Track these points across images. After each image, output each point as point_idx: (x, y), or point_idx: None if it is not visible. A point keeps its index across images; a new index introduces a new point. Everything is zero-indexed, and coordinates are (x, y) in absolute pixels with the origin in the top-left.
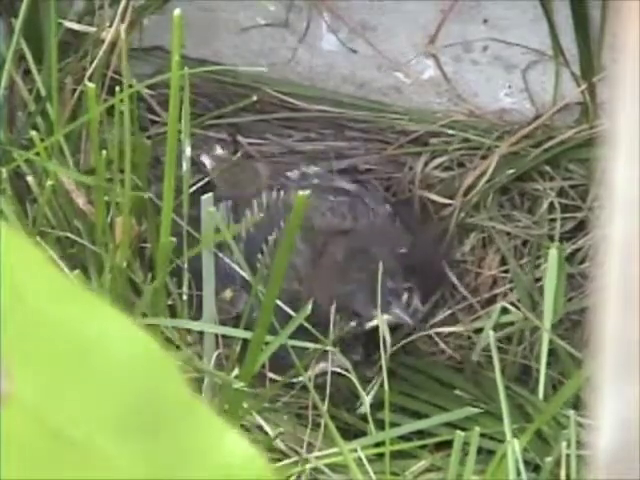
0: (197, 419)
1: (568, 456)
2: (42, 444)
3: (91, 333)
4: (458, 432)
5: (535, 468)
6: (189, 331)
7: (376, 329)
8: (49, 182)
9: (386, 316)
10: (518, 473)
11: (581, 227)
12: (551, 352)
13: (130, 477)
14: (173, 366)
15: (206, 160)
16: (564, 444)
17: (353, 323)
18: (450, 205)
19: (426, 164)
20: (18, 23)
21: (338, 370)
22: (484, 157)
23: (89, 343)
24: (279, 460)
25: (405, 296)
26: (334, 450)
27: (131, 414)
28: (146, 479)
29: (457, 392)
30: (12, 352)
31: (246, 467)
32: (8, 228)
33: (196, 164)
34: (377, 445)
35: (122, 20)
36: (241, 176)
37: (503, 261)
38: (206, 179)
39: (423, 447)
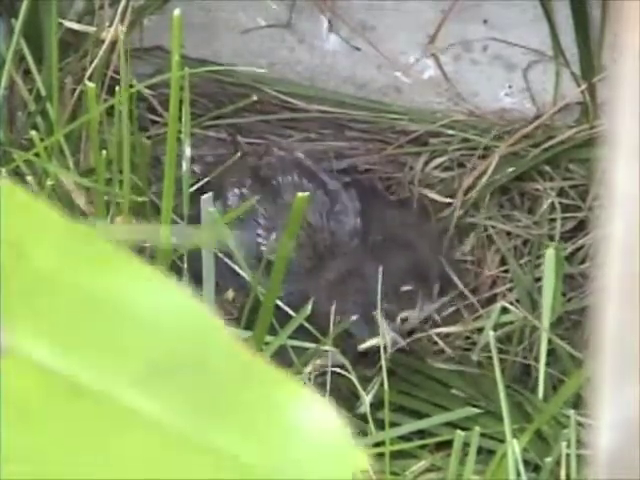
0: (247, 372)
1: (568, 456)
2: (49, 398)
3: (106, 284)
4: (458, 432)
5: (535, 468)
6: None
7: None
8: (49, 182)
9: (382, 339)
10: (518, 473)
11: (581, 227)
12: (551, 352)
13: (160, 432)
14: (212, 318)
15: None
16: (564, 444)
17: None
18: (450, 205)
19: (426, 164)
20: (18, 23)
21: (338, 370)
22: (484, 157)
23: (104, 294)
24: None
25: (399, 318)
26: None
27: (161, 366)
28: (181, 435)
29: (457, 392)
30: (15, 308)
31: (322, 434)
32: (8, 184)
33: (195, 163)
34: (377, 445)
35: (122, 20)
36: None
37: (503, 261)
38: (206, 179)
39: (423, 447)
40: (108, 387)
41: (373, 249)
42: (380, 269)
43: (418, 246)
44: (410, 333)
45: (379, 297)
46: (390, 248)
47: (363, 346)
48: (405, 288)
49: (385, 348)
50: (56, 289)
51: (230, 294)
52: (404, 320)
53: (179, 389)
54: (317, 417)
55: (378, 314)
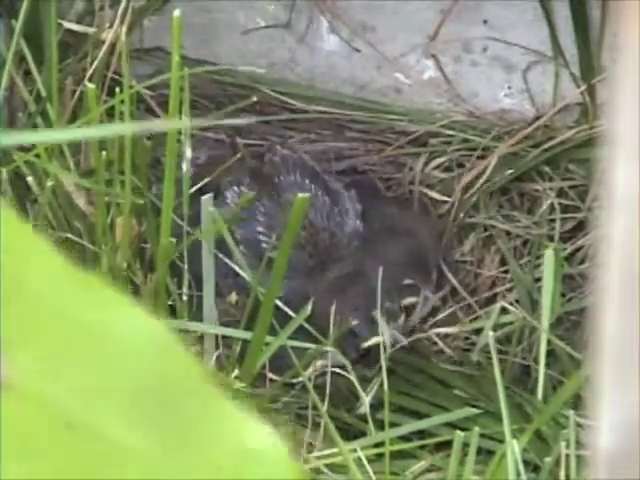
0: (212, 404)
1: (567, 456)
2: (46, 429)
3: (96, 318)
4: (458, 432)
5: (535, 468)
6: (189, 331)
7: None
8: (49, 183)
9: (382, 337)
10: (518, 473)
11: (581, 227)
12: (551, 352)
13: (143, 462)
14: (184, 350)
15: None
16: (563, 444)
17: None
18: (449, 205)
19: (426, 164)
20: (18, 24)
21: (337, 370)
22: (483, 157)
23: (94, 328)
24: None
25: (403, 316)
26: (334, 450)
27: (142, 399)
28: (160, 465)
29: (457, 392)
30: (13, 339)
31: (266, 454)
32: (8, 212)
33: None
34: (377, 445)
35: (122, 21)
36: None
37: (503, 261)
38: (206, 179)
39: (423, 447)
40: (97, 418)
41: (374, 247)
42: (381, 268)
43: (417, 238)
44: (410, 332)
45: (379, 297)
46: (390, 243)
47: (365, 344)
48: (407, 282)
49: (385, 348)
50: (50, 321)
51: (233, 297)
52: (407, 308)
53: (153, 418)
54: (263, 442)
55: (378, 314)
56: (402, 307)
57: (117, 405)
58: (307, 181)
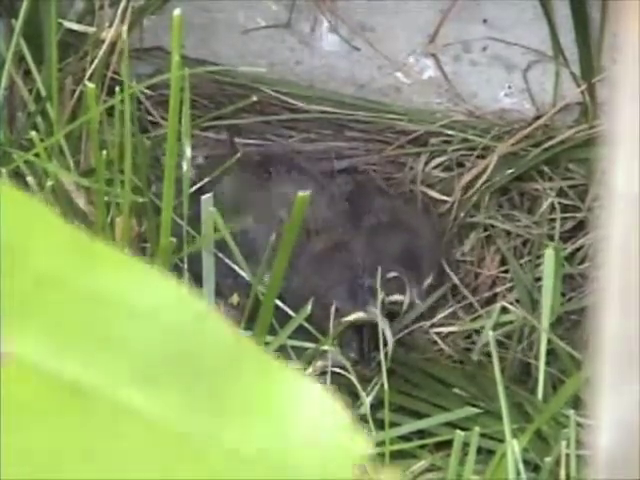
0: (243, 363)
1: (568, 456)
2: (51, 399)
3: (105, 284)
4: (458, 432)
5: (535, 468)
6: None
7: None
8: (49, 182)
9: (361, 313)
10: (518, 473)
11: (581, 227)
12: (551, 352)
13: (160, 430)
14: (205, 309)
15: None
16: (564, 444)
17: (351, 317)
18: (450, 205)
19: (426, 164)
20: (18, 23)
21: (337, 370)
22: (483, 157)
23: (103, 294)
24: None
25: (383, 294)
26: None
27: (160, 364)
28: (181, 432)
29: (457, 391)
30: (15, 310)
31: (325, 422)
32: (8, 187)
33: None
34: (377, 445)
35: (122, 20)
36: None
37: (503, 261)
38: (206, 179)
39: (423, 447)
40: (107, 386)
41: (366, 233)
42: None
43: (417, 237)
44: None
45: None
46: (385, 234)
47: (346, 319)
48: (392, 274)
49: (385, 346)
50: (54, 290)
51: (235, 298)
52: (394, 304)
53: (176, 384)
54: (315, 405)
55: (378, 312)
56: (387, 290)
57: (130, 370)
58: (297, 175)
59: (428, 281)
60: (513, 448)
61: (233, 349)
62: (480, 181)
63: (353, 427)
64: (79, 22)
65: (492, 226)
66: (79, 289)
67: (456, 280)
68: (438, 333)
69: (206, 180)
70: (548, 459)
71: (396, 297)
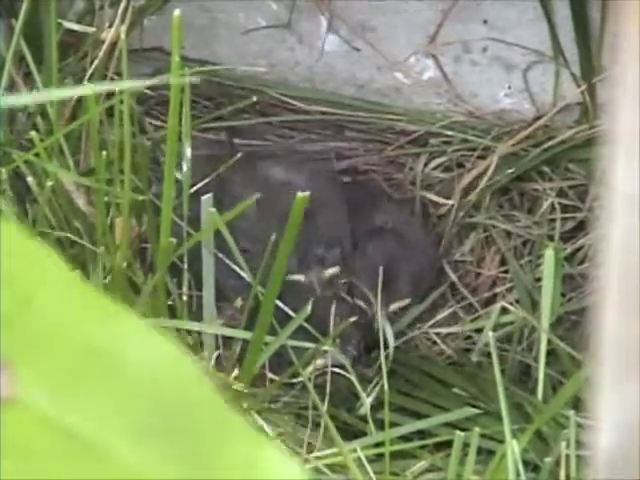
0: (229, 429)
1: (568, 456)
2: (49, 445)
3: (105, 337)
4: (458, 432)
5: (535, 468)
6: (189, 331)
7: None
8: (49, 183)
9: (302, 276)
10: (518, 473)
11: (581, 227)
12: (551, 352)
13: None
14: (199, 371)
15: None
16: (564, 444)
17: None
18: (450, 205)
19: (426, 164)
20: (18, 24)
21: (337, 370)
22: (483, 157)
23: (103, 347)
24: None
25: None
26: (334, 450)
27: (151, 419)
28: None
29: (457, 392)
30: (16, 356)
31: None
32: (12, 228)
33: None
34: (377, 445)
35: (122, 21)
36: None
37: (503, 261)
38: (206, 179)
39: (423, 447)
40: (100, 436)
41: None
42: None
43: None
44: (404, 333)
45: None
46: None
47: (290, 277)
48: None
49: (386, 347)
50: (54, 338)
51: (239, 302)
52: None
53: (162, 439)
54: (283, 471)
55: (379, 315)
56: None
57: (124, 422)
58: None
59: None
60: (513, 448)
61: (220, 414)
62: (480, 182)
63: None
64: (79, 22)
65: (492, 226)
66: (78, 339)
67: (456, 280)
68: (438, 333)
69: (206, 180)
70: (548, 459)
71: (333, 270)
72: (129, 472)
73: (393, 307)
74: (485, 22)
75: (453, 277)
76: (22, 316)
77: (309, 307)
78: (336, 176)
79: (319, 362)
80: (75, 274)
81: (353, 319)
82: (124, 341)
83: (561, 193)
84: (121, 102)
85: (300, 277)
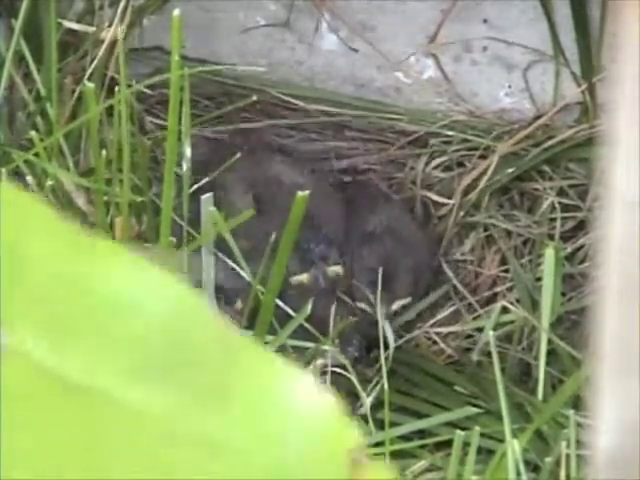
0: (238, 352)
1: (568, 456)
2: (47, 393)
3: (101, 279)
4: (458, 432)
5: (535, 468)
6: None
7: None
8: (49, 182)
9: (306, 275)
10: (518, 473)
11: (581, 227)
12: (551, 352)
13: (156, 422)
14: (204, 306)
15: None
16: (564, 444)
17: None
18: (450, 205)
19: (426, 164)
20: (18, 23)
21: (337, 370)
22: (484, 157)
23: (100, 289)
24: None
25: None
26: None
27: (156, 361)
28: (171, 427)
29: (457, 391)
30: (14, 308)
31: (313, 410)
32: (7, 185)
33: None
34: (377, 445)
35: (122, 20)
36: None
37: (503, 261)
38: (206, 179)
39: (423, 447)
40: (102, 382)
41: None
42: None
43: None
44: (406, 330)
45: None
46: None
47: (294, 278)
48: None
49: (386, 347)
50: (52, 285)
51: (239, 304)
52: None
53: (169, 378)
54: (308, 396)
55: (379, 313)
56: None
57: (125, 367)
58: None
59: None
60: (513, 448)
61: (226, 341)
62: (480, 181)
63: (346, 419)
64: (79, 22)
65: (492, 226)
66: (76, 285)
67: (456, 280)
68: (438, 333)
69: (206, 180)
70: (548, 459)
71: (335, 268)
72: (130, 412)
73: (395, 306)
74: (485, 22)
75: (453, 277)
76: (17, 268)
77: (309, 307)
78: (333, 175)
79: (319, 362)
80: (61, 217)
81: (354, 318)
82: (121, 282)
83: (561, 192)
84: (120, 102)
85: (303, 277)
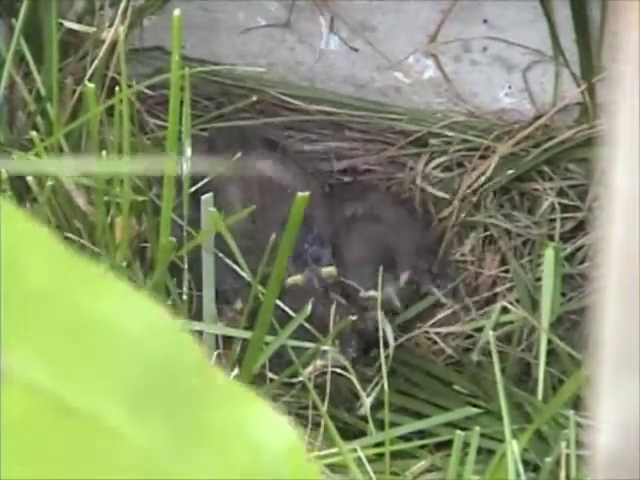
0: (218, 391)
1: (568, 456)
2: (46, 419)
3: (98, 307)
4: (458, 432)
5: (535, 468)
6: (189, 331)
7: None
8: (49, 182)
9: (299, 276)
10: (518, 473)
11: (581, 227)
12: (551, 352)
13: (144, 453)
14: (188, 337)
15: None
16: (564, 444)
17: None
18: (450, 205)
19: (426, 164)
20: (18, 23)
21: (337, 370)
22: (484, 157)
23: (96, 318)
24: None
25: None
26: (334, 450)
27: (144, 388)
28: (163, 457)
29: (457, 391)
30: (13, 330)
31: (279, 447)
32: (7, 204)
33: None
34: (377, 445)
35: (122, 20)
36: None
37: (503, 261)
38: (206, 179)
39: (423, 447)
40: (96, 409)
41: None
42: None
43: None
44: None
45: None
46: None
47: (289, 280)
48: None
49: (385, 346)
50: (49, 308)
51: (239, 304)
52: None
53: (156, 409)
54: (276, 432)
55: (379, 314)
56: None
57: (118, 393)
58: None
59: (404, 277)
60: (513, 448)
61: (206, 376)
62: (481, 182)
63: (305, 454)
64: (79, 22)
65: (492, 226)
66: (72, 310)
67: (456, 280)
68: (438, 333)
69: (206, 180)
70: (548, 459)
71: (371, 293)
72: (122, 443)
73: (402, 280)
74: (485, 22)
75: (453, 277)
76: (16, 291)
77: (309, 307)
78: (331, 175)
79: (319, 362)
80: (65, 248)
81: (353, 317)
82: (116, 312)
83: (561, 193)
84: (121, 102)
85: (298, 279)
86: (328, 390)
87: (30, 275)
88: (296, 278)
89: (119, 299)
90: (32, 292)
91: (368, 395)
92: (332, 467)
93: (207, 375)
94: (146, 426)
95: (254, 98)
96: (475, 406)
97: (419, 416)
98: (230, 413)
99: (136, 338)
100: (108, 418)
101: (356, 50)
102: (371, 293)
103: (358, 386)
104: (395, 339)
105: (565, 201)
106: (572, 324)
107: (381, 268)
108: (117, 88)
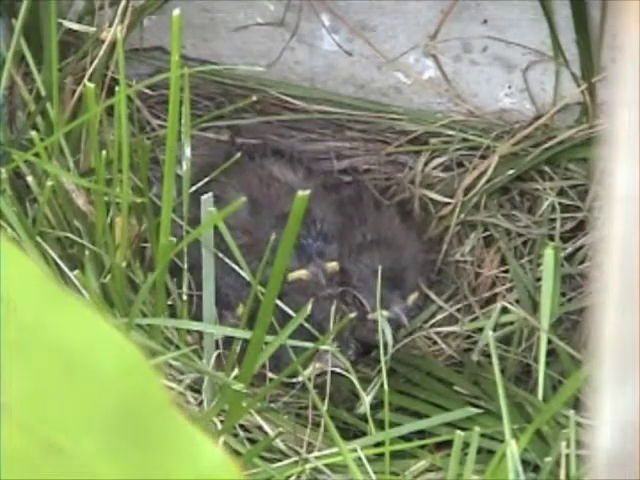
0: (175, 429)
1: (568, 456)
2: (35, 455)
3: (78, 345)
4: (458, 432)
5: (535, 468)
6: (189, 331)
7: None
8: (49, 182)
9: (304, 271)
10: (517, 473)
11: (581, 227)
12: (551, 352)
13: None
14: (156, 377)
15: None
16: (564, 444)
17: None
18: (450, 205)
19: (426, 164)
20: (18, 23)
21: (337, 370)
22: (484, 157)
23: (76, 355)
24: (279, 460)
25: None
26: (334, 450)
27: (116, 424)
28: None
29: (457, 391)
30: (7, 364)
31: (218, 476)
32: (5, 239)
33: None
34: (377, 445)
35: (122, 20)
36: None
37: (503, 261)
38: (206, 179)
39: (423, 447)
40: (76, 446)
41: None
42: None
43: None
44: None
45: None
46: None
47: (292, 275)
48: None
49: (385, 347)
50: (37, 346)
51: (241, 309)
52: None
53: (125, 444)
54: (217, 464)
55: (379, 313)
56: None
57: (94, 429)
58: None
59: (413, 297)
60: (513, 448)
61: (169, 417)
62: (481, 182)
63: (238, 472)
64: (79, 22)
65: (492, 226)
66: (56, 347)
67: (456, 280)
68: (438, 333)
69: (206, 180)
70: (548, 459)
71: (333, 264)
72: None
73: (410, 300)
74: (485, 22)
75: (453, 277)
76: (10, 324)
77: (309, 307)
78: (331, 175)
79: (319, 363)
80: (50, 277)
81: (352, 315)
82: (93, 347)
83: (561, 193)
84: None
85: (302, 273)
86: (328, 390)
87: (23, 312)
88: (300, 273)
89: (98, 337)
90: (24, 328)
91: (368, 395)
92: (332, 467)
93: (168, 414)
94: (116, 461)
95: (254, 98)
96: (475, 406)
97: (419, 416)
98: (185, 449)
99: (111, 377)
100: (84, 455)
101: (350, 54)
102: (295, 274)
103: (358, 386)
104: (395, 341)
105: (565, 201)
106: (572, 324)
107: (388, 288)
108: (117, 88)
